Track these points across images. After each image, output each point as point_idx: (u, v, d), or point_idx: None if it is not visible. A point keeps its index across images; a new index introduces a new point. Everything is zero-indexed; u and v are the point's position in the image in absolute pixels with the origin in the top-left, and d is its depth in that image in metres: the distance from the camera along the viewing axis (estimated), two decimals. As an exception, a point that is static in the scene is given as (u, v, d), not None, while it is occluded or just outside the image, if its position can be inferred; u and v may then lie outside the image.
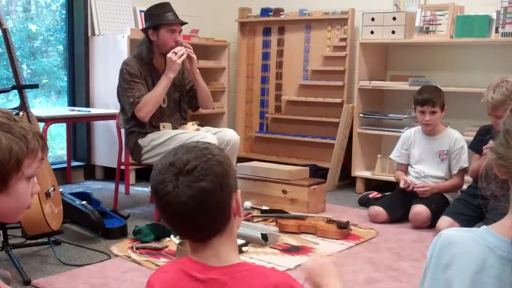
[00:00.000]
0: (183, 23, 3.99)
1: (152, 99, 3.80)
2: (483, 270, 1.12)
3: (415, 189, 4.01)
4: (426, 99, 4.00)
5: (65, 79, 5.41)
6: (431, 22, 4.68)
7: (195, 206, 1.23)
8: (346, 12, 5.24)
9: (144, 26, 4.01)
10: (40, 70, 5.49)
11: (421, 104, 4.02)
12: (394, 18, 4.76)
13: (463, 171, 4.05)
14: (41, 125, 4.13)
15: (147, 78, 3.92)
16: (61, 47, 5.50)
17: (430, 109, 4.01)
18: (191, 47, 3.98)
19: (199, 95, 4.08)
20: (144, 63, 3.93)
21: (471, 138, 3.99)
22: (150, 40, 3.93)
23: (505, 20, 4.31)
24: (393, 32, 4.77)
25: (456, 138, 4.10)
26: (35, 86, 3.62)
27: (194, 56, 3.96)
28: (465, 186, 4.04)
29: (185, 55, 3.85)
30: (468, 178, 4.03)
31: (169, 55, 3.81)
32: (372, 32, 4.87)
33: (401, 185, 4.05)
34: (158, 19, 3.88)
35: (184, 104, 4.15)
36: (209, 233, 1.28)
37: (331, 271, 1.51)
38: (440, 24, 4.64)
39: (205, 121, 5.51)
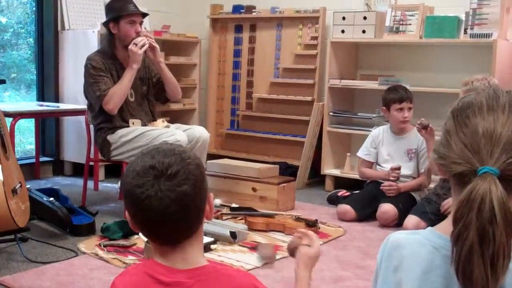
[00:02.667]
0: (144, 14, 3.97)
1: (118, 92, 3.78)
2: (430, 270, 1.14)
3: (381, 188, 4.07)
4: (404, 95, 4.08)
5: (35, 72, 5.35)
6: (401, 22, 4.72)
7: (177, 210, 1.22)
8: (318, 11, 5.26)
9: (105, 21, 3.96)
10: (9, 63, 5.41)
11: (399, 102, 4.07)
12: (365, 18, 4.80)
13: (430, 170, 4.11)
14: (9, 120, 4.08)
15: (112, 71, 3.89)
16: (31, 40, 5.42)
17: (408, 105, 4.09)
18: (152, 37, 3.97)
19: (167, 85, 4.06)
20: (108, 57, 3.91)
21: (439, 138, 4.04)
22: (111, 33, 3.90)
23: (473, 21, 4.37)
24: (364, 31, 4.80)
25: (423, 137, 4.16)
26: (2, 82, 3.58)
27: (156, 45, 3.94)
28: (432, 185, 4.10)
29: (147, 45, 3.82)
30: (434, 177, 4.09)
31: (130, 46, 3.78)
32: (343, 31, 4.90)
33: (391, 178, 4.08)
34: (118, 11, 3.86)
35: (151, 97, 4.13)
36: (183, 237, 1.28)
37: (311, 264, 1.64)
38: (410, 24, 4.69)
39: (175, 117, 5.49)
